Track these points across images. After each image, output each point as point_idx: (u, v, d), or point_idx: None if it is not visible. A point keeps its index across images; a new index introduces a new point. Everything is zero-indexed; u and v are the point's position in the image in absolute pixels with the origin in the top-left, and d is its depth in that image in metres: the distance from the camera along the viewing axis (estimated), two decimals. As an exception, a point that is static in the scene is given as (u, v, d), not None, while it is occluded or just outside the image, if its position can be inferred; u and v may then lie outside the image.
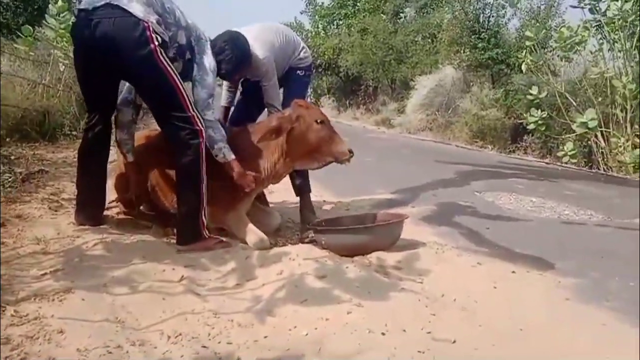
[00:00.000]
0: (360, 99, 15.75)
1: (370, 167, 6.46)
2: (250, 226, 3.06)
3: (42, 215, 3.25)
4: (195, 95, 2.94)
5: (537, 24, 8.93)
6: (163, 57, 2.68)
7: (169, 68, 2.70)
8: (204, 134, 2.83)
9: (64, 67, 6.62)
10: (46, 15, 6.76)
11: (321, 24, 17.63)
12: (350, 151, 3.11)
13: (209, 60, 2.98)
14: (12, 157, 4.52)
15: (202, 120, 2.83)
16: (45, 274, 2.36)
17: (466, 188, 5.17)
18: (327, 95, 17.39)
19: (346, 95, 16.53)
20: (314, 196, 4.57)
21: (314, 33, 17.69)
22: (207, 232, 2.93)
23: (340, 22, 16.80)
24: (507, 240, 3.37)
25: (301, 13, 18.38)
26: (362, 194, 4.65)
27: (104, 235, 2.96)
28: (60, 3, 6.39)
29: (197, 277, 2.52)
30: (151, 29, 2.61)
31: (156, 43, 2.63)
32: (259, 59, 3.29)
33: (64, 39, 6.29)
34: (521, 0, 9.59)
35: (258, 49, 3.29)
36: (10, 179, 3.78)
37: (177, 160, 2.89)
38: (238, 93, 3.78)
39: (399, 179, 5.38)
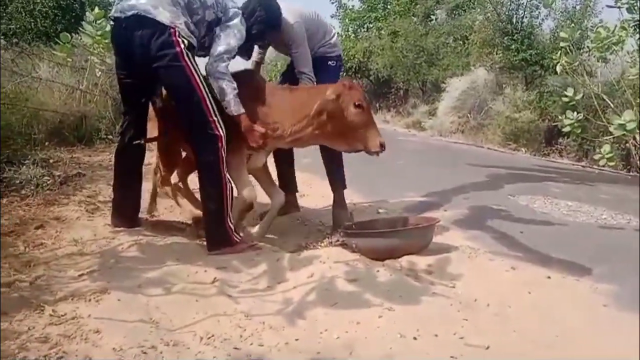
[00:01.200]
0: (390, 101, 15.66)
1: (401, 169, 6.41)
2: (245, 180, 3.14)
3: (80, 217, 3.33)
4: (213, 49, 2.95)
5: (572, 25, 8.73)
6: (189, 59, 2.78)
7: (194, 72, 2.79)
8: (223, 140, 2.87)
9: (100, 72, 6.77)
10: (83, 23, 6.91)
11: (351, 27, 17.60)
12: (382, 145, 3.00)
13: (234, 23, 3.01)
14: (51, 161, 4.65)
15: (222, 127, 2.86)
16: (82, 274, 2.42)
17: (499, 191, 5.09)
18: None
19: (377, 98, 16.45)
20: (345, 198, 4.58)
21: (344, 36, 17.64)
22: (237, 235, 2.96)
23: (371, 26, 16.74)
24: (541, 245, 3.31)
25: (331, 17, 18.38)
26: (393, 197, 4.62)
27: (139, 237, 3.02)
28: (97, 10, 6.53)
29: (229, 279, 2.54)
30: (177, 33, 2.74)
31: (182, 46, 2.75)
32: (289, 24, 3.30)
33: (101, 46, 6.43)
34: (556, 1, 9.38)
35: (289, 15, 3.31)
36: (49, 182, 3.89)
37: (198, 165, 3.00)
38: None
39: (431, 182, 5.32)
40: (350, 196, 4.66)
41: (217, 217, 2.90)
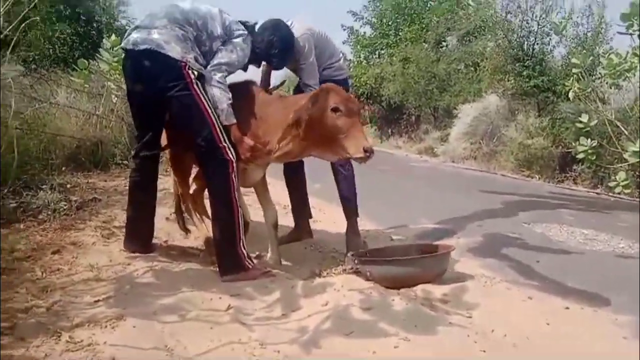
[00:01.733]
0: (402, 127, 15.71)
1: (413, 196, 6.41)
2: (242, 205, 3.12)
3: (95, 243, 3.36)
4: (213, 59, 2.99)
5: (584, 51, 8.76)
6: (198, 88, 2.88)
7: (204, 100, 2.88)
8: (234, 165, 2.90)
9: (116, 98, 6.89)
10: (100, 49, 7.07)
11: (363, 53, 17.76)
12: (367, 150, 2.75)
13: (237, 41, 3.06)
14: (68, 186, 4.70)
15: (232, 152, 2.90)
16: (98, 300, 2.43)
17: (514, 219, 5.06)
18: (369, 124, 17.43)
19: (388, 124, 16.52)
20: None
21: (355, 63, 17.83)
22: (249, 261, 2.96)
23: (382, 52, 16.88)
24: (558, 274, 3.27)
25: (343, 43, 18.57)
26: (406, 224, 4.60)
27: (154, 263, 3.04)
28: (113, 38, 6.68)
29: (243, 307, 2.54)
30: (187, 66, 2.86)
31: (192, 77, 2.86)
32: (297, 35, 3.29)
33: (117, 72, 6.55)
34: (567, 28, 9.43)
35: (297, 29, 3.31)
36: (65, 207, 3.93)
37: (209, 190, 3.06)
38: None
39: (444, 209, 5.31)
40: (363, 223, 4.66)
41: (229, 243, 2.92)
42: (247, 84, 3.26)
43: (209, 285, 2.75)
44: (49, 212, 3.80)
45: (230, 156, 2.89)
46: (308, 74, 3.35)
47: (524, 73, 10.18)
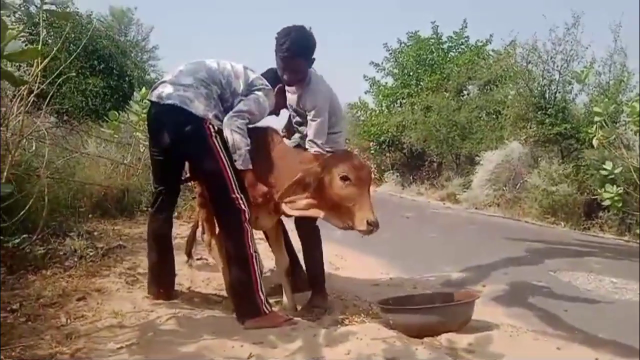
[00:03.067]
0: (424, 174, 15.73)
1: (436, 243, 6.35)
2: None
3: (119, 289, 3.39)
4: (235, 107, 3.05)
5: (607, 99, 8.75)
6: (218, 142, 2.97)
7: (222, 155, 2.96)
8: (247, 215, 2.95)
9: (144, 148, 7.09)
10: (131, 101, 7.33)
11: (384, 103, 18.04)
12: (371, 223, 2.74)
13: (259, 94, 3.13)
14: (95, 233, 4.79)
15: (244, 202, 2.96)
16: (122, 347, 2.44)
17: (540, 267, 4.96)
18: (391, 171, 17.49)
19: (410, 171, 16.56)
20: (380, 273, 4.55)
21: (377, 112, 18.09)
22: (267, 306, 2.97)
23: (404, 101, 17.12)
24: (587, 324, 3.19)
25: (365, 93, 18.94)
26: (429, 272, 4.55)
27: (176, 310, 3.04)
28: (143, 90, 6.94)
29: (265, 355, 2.51)
30: (209, 123, 2.96)
31: (212, 131, 2.96)
32: (319, 86, 3.29)
33: (145, 123, 6.77)
34: (589, 76, 9.48)
35: (321, 81, 3.33)
36: (91, 254, 4.00)
37: (223, 239, 3.12)
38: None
39: (468, 256, 5.24)
40: (387, 270, 4.65)
41: (247, 289, 2.94)
42: (267, 131, 3.32)
43: (231, 333, 2.74)
44: (76, 259, 3.87)
45: (243, 206, 2.96)
46: (317, 131, 3.25)
47: (546, 121, 10.20)
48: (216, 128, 2.99)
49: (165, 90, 3.04)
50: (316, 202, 2.94)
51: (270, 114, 3.37)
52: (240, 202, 2.96)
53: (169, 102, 2.97)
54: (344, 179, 2.82)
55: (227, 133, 2.99)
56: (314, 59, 3.30)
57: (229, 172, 2.97)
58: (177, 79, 3.07)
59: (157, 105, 3.06)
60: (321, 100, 3.28)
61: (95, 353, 2.36)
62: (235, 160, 3.00)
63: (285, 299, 3.39)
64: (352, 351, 2.53)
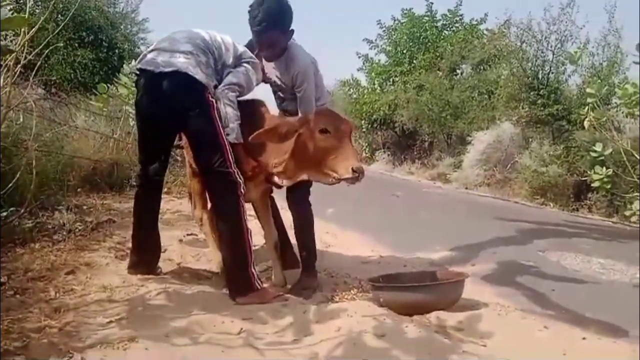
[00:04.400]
0: (415, 153, 15.73)
1: (427, 222, 6.38)
2: None
3: (109, 264, 3.38)
4: (226, 79, 3.02)
5: (599, 81, 8.75)
6: (218, 115, 2.93)
7: (220, 127, 2.92)
8: (242, 188, 2.93)
9: (133, 122, 7.00)
10: (120, 74, 7.21)
11: (377, 81, 17.94)
12: (356, 170, 2.72)
13: (246, 66, 3.10)
14: (85, 207, 4.76)
15: (240, 176, 2.93)
16: (111, 321, 2.43)
17: (528, 247, 5.00)
18: (382, 150, 17.48)
19: (401, 150, 16.56)
20: (370, 251, 4.57)
21: (370, 90, 18.00)
22: (259, 282, 2.97)
23: (397, 79, 17.01)
24: (575, 304, 3.22)
25: (358, 70, 18.82)
26: (419, 250, 4.57)
27: (166, 285, 3.04)
28: (133, 63, 6.83)
29: (255, 330, 2.52)
30: (210, 92, 2.92)
31: (213, 103, 2.92)
32: (300, 55, 3.20)
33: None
34: (582, 58, 9.45)
35: (301, 49, 3.25)
36: (80, 228, 3.97)
37: (217, 212, 3.08)
38: None
39: (457, 236, 5.27)
40: (377, 248, 4.66)
41: (240, 264, 2.93)
42: (255, 103, 3.26)
43: (221, 308, 2.74)
44: (64, 233, 3.84)
45: (239, 179, 2.93)
46: (307, 102, 3.22)
47: (539, 101, 10.18)
48: (215, 100, 2.94)
49: (161, 57, 2.93)
50: (298, 164, 2.95)
51: None
52: (236, 174, 2.93)
53: (170, 69, 2.86)
54: (323, 131, 2.83)
55: (220, 106, 2.94)
56: (292, 30, 3.19)
57: (227, 145, 2.93)
58: (173, 45, 2.98)
59: (151, 74, 2.92)
60: (303, 69, 3.19)
61: (84, 327, 2.35)
62: (227, 134, 2.96)
63: (274, 274, 3.40)
64: (342, 328, 2.54)
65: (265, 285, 3.14)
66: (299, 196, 3.37)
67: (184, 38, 3.02)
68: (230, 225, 2.95)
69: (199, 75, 2.87)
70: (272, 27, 3.09)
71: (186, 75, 2.84)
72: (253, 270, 2.94)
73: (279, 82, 3.38)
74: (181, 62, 2.88)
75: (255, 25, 3.10)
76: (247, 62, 3.12)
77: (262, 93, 3.52)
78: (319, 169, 2.90)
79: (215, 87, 2.99)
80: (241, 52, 3.15)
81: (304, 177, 3.04)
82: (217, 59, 3.05)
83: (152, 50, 3.03)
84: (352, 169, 2.73)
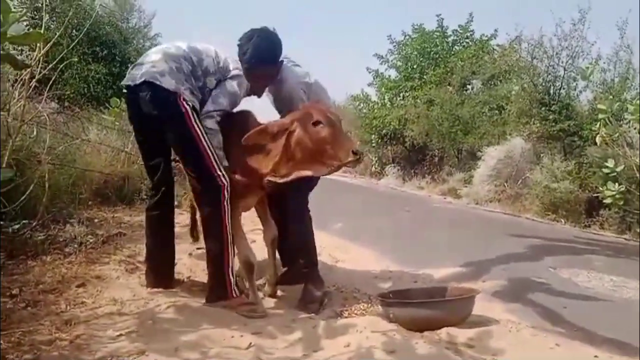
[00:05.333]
0: (425, 168, 15.71)
1: (437, 237, 6.34)
2: (243, 241, 3.16)
3: (119, 277, 3.39)
4: (205, 107, 3.07)
5: (611, 97, 8.72)
6: (194, 118, 2.94)
7: (198, 131, 2.95)
8: (226, 190, 2.96)
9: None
10: (132, 89, 7.27)
11: (387, 95, 17.97)
12: (356, 152, 2.78)
13: (228, 83, 3.13)
14: (96, 220, 4.79)
15: (226, 178, 2.97)
16: (121, 335, 2.44)
17: (540, 263, 4.95)
18: (392, 165, 17.46)
19: (411, 165, 16.54)
20: (380, 266, 4.55)
21: (380, 104, 18.03)
22: (235, 290, 3.00)
23: (407, 94, 17.05)
24: (587, 321, 3.17)
25: (368, 85, 18.87)
26: (429, 266, 4.54)
27: (176, 298, 3.04)
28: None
29: (264, 345, 2.51)
30: (182, 97, 2.92)
31: (187, 108, 2.93)
32: (290, 79, 3.22)
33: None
34: (594, 73, 9.43)
35: (289, 71, 3.24)
36: (91, 241, 4.00)
37: (201, 217, 3.13)
38: None
39: (468, 251, 5.23)
40: (387, 263, 4.64)
41: (218, 269, 2.98)
42: (244, 114, 3.28)
43: (230, 323, 2.74)
44: (76, 246, 3.87)
45: (223, 181, 2.96)
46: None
47: (550, 117, 10.16)
48: (190, 104, 2.95)
49: (136, 71, 3.02)
50: (297, 162, 2.96)
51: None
52: (221, 177, 2.95)
53: (140, 80, 2.93)
54: (316, 123, 2.86)
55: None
56: (282, 61, 3.22)
57: (207, 147, 2.95)
58: (146, 57, 3.07)
59: (130, 89, 3.02)
60: (289, 91, 3.23)
61: (95, 340, 2.36)
62: None
63: (267, 271, 3.39)
64: (351, 344, 2.53)
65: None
66: (296, 208, 3.40)
67: (157, 49, 3.13)
68: (212, 229, 3.00)
69: (166, 82, 2.90)
70: (261, 62, 3.12)
71: (153, 85, 2.90)
72: (230, 277, 2.97)
73: (273, 106, 3.45)
74: (150, 71, 2.93)
75: (245, 62, 3.12)
76: (232, 77, 3.15)
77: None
78: (317, 160, 2.93)
79: (191, 91, 2.99)
80: (225, 62, 3.16)
81: (302, 173, 3.02)
82: (195, 64, 3.07)
83: (133, 67, 3.12)
84: (353, 151, 2.78)
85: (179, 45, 3.13)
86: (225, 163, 3.03)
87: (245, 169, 3.09)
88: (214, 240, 2.99)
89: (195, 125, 2.94)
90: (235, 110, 3.24)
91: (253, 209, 3.47)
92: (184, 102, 2.91)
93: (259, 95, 3.41)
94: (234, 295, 2.98)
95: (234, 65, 3.17)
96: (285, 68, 3.27)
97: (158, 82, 2.89)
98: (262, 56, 3.10)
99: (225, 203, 2.96)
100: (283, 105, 3.31)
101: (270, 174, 3.05)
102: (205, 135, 2.97)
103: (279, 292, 3.49)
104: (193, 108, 2.96)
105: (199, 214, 3.69)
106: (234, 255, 3.04)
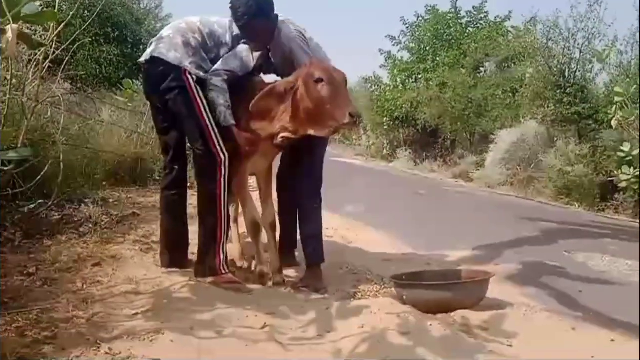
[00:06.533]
0: (437, 151, 15.60)
1: (450, 220, 6.32)
2: (250, 202, 3.23)
3: (134, 257, 3.41)
4: (214, 66, 3.11)
5: (628, 79, 8.57)
6: (196, 91, 3.00)
7: (200, 103, 3.01)
8: (224, 165, 2.99)
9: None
10: (145, 70, 7.26)
11: (400, 77, 17.78)
12: (353, 114, 2.77)
13: (239, 49, 3.18)
14: (111, 201, 4.82)
15: (225, 153, 3.00)
16: (137, 313, 2.46)
17: (554, 247, 4.92)
18: (404, 148, 17.36)
19: (423, 148, 16.42)
20: (392, 248, 4.54)
21: (392, 87, 17.88)
22: (225, 267, 3.04)
23: (419, 77, 16.88)
24: (602, 305, 3.15)
25: (380, 67, 18.68)
26: (441, 249, 4.53)
27: (190, 278, 3.06)
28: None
29: (278, 325, 2.53)
30: (185, 71, 2.99)
31: (190, 82, 3.00)
32: (286, 30, 3.16)
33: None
34: (610, 56, 9.25)
35: (285, 26, 3.18)
36: (106, 221, 4.03)
37: (197, 190, 3.15)
38: None
39: (481, 235, 5.20)
40: (399, 246, 4.64)
41: (210, 245, 3.03)
42: (252, 79, 3.29)
43: (245, 303, 2.76)
44: (90, 226, 3.90)
45: (221, 156, 3.00)
46: (299, 58, 3.13)
47: (565, 100, 10.00)
48: (194, 77, 3.01)
49: (149, 48, 3.12)
50: (298, 119, 2.97)
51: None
52: (219, 151, 2.99)
53: (150, 56, 3.04)
54: (318, 81, 2.86)
55: (207, 92, 3.04)
56: (276, 15, 3.19)
57: (208, 121, 3.00)
58: (160, 35, 3.16)
59: (144, 65, 3.16)
60: (287, 38, 3.16)
61: (111, 318, 2.38)
62: (217, 119, 3.05)
63: (270, 257, 3.33)
64: (365, 325, 2.53)
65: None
66: (308, 188, 3.37)
67: (170, 25, 3.23)
68: (207, 207, 3.04)
69: (170, 56, 2.99)
70: (254, 18, 3.09)
71: (160, 59, 3.00)
72: (221, 254, 3.01)
73: (277, 66, 3.38)
74: (159, 47, 3.03)
75: (238, 20, 3.10)
76: (245, 43, 3.19)
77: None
78: (318, 119, 2.93)
79: (199, 65, 3.05)
80: (238, 33, 3.18)
81: (309, 131, 3.01)
82: (206, 37, 3.12)
83: (150, 44, 3.20)
84: (350, 113, 2.77)
85: (191, 19, 3.18)
86: (231, 121, 3.04)
87: (255, 128, 3.10)
88: (208, 214, 3.04)
89: (198, 99, 3.00)
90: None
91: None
92: (189, 76, 3.00)
93: (261, 49, 3.32)
94: (223, 271, 3.02)
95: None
96: (281, 24, 3.22)
97: (164, 57, 2.99)
98: (253, 11, 3.07)
99: (222, 179, 3.00)
100: (284, 59, 3.25)
101: (281, 131, 3.06)
102: (208, 109, 3.01)
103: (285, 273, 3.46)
104: (197, 81, 3.02)
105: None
106: (227, 232, 3.07)
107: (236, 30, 3.16)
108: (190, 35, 3.07)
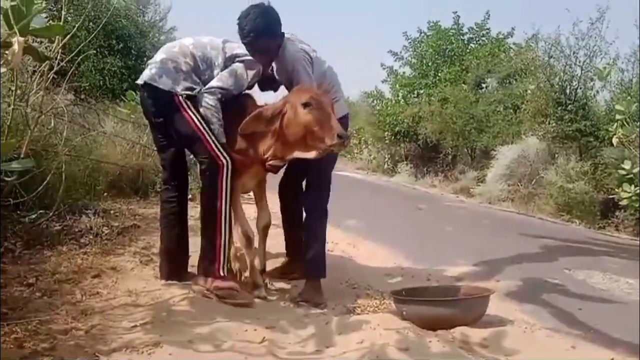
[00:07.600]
0: (438, 166, 15.60)
1: (450, 235, 6.31)
2: (242, 217, 3.26)
3: (134, 268, 3.42)
4: (209, 84, 3.13)
5: (629, 97, 8.59)
6: (187, 105, 3.06)
7: (193, 116, 3.06)
8: (226, 168, 3.03)
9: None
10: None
11: (401, 92, 17.84)
12: (340, 135, 2.82)
13: (235, 66, 3.17)
14: (112, 212, 4.83)
15: (225, 156, 3.05)
16: (136, 326, 2.46)
17: (554, 264, 4.90)
18: (405, 162, 17.37)
19: (424, 163, 16.42)
20: (393, 263, 4.53)
21: (393, 101, 17.92)
22: (223, 271, 3.03)
23: (421, 92, 16.92)
24: (602, 324, 3.14)
25: (382, 82, 18.75)
26: (441, 264, 4.52)
27: (190, 291, 3.06)
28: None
29: (277, 340, 2.52)
30: (178, 97, 3.06)
31: (184, 105, 3.06)
32: (291, 49, 3.18)
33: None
34: (611, 74, 9.29)
35: (292, 45, 3.21)
36: (107, 232, 4.03)
37: (201, 194, 3.20)
38: None
39: (481, 251, 5.19)
40: (400, 260, 4.63)
41: (211, 246, 3.05)
42: (244, 98, 3.32)
43: (244, 316, 2.75)
44: (91, 237, 3.91)
45: (223, 160, 3.04)
46: (302, 80, 3.16)
47: (566, 117, 10.03)
48: (185, 96, 3.07)
49: (145, 71, 3.17)
50: (287, 142, 3.05)
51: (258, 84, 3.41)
52: (220, 156, 3.03)
53: (143, 81, 3.11)
54: (306, 105, 2.92)
55: (200, 109, 3.08)
56: (283, 33, 3.23)
57: (203, 130, 3.05)
58: (154, 58, 3.20)
59: (140, 86, 3.22)
60: (291, 58, 3.19)
61: (110, 330, 2.38)
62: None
63: (257, 255, 3.36)
64: (365, 340, 2.52)
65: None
66: (314, 201, 3.37)
67: (163, 48, 3.25)
68: (208, 208, 3.07)
69: (162, 83, 3.05)
70: (260, 36, 3.14)
71: (150, 86, 3.06)
72: (221, 257, 3.02)
73: (282, 83, 3.44)
74: (151, 73, 3.08)
75: (244, 37, 3.16)
76: (241, 61, 3.19)
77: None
78: (306, 143, 2.99)
79: (191, 88, 3.10)
80: (235, 52, 3.20)
81: (297, 154, 3.09)
82: (198, 60, 3.15)
83: (146, 65, 3.24)
84: (337, 134, 2.81)
85: (184, 42, 3.24)
86: (223, 139, 3.09)
87: (244, 151, 3.16)
88: (209, 216, 3.07)
89: (189, 111, 3.06)
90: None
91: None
92: (181, 99, 3.06)
93: (267, 69, 3.37)
94: (221, 274, 3.02)
95: (243, 53, 3.21)
96: (287, 42, 3.25)
97: (155, 84, 3.06)
98: (260, 29, 3.12)
99: (223, 182, 3.03)
100: (287, 77, 3.29)
101: (268, 156, 3.13)
102: (201, 120, 3.06)
103: (284, 285, 3.51)
104: (188, 98, 3.08)
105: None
106: (229, 236, 3.07)
107: (229, 52, 3.19)
108: (181, 59, 3.12)
